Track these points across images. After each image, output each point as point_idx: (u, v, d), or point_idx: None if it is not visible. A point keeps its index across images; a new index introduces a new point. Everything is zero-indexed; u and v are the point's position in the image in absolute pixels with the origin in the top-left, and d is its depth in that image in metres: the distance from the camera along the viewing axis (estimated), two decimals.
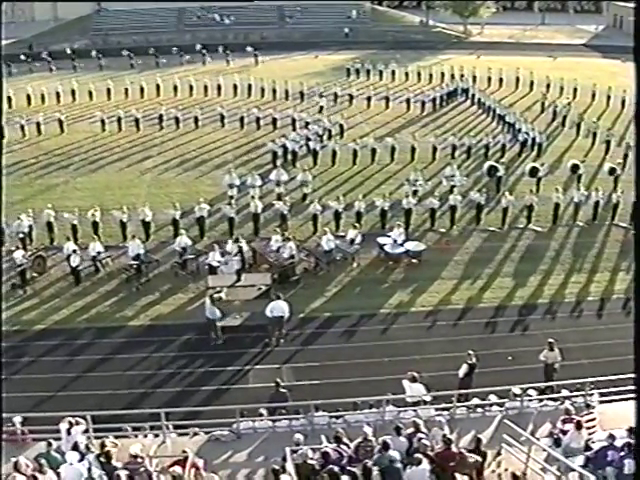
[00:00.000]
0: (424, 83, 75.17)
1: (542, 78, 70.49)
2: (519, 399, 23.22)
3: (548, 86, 69.68)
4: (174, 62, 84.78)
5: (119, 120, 60.34)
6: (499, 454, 20.16)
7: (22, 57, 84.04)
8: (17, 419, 22.07)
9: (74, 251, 36.42)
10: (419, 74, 77.37)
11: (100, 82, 72.73)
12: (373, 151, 52.17)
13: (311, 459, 18.64)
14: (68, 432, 20.24)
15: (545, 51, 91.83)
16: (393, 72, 77.87)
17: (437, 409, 23.12)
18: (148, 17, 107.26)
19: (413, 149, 52.43)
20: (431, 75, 76.67)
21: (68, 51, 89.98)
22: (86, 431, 20.76)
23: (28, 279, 36.77)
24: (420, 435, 19.53)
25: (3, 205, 36.89)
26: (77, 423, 20.50)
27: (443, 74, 75.95)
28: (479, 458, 18.72)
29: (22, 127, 58.75)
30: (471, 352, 26.87)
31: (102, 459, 18.84)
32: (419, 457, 18.00)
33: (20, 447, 21.32)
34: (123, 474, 17.83)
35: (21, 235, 39.30)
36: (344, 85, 72.43)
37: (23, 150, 56.15)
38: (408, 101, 66.04)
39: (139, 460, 18.72)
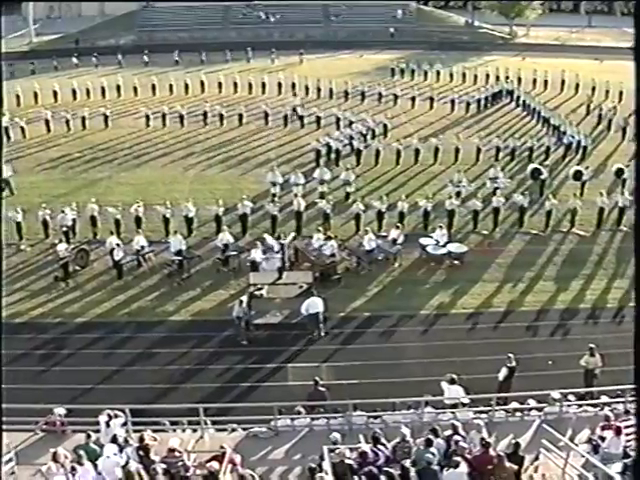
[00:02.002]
0: (469, 84, 74.82)
1: (588, 81, 69.89)
2: (558, 404, 23.11)
3: (594, 89, 69.01)
4: (219, 59, 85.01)
5: (163, 116, 60.75)
6: (537, 459, 20.13)
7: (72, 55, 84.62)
8: (60, 410, 22.33)
9: (117, 245, 36.76)
10: (464, 75, 77.02)
11: (145, 78, 73.33)
12: (417, 151, 52.04)
13: (348, 458, 18.66)
14: (107, 425, 20.45)
15: (591, 54, 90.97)
16: (438, 72, 77.63)
17: (475, 412, 23.06)
18: (194, 14, 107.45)
19: (457, 150, 52.29)
20: (476, 76, 76.29)
21: (114, 46, 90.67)
22: (125, 424, 20.96)
23: (71, 272, 37.14)
24: (458, 438, 19.51)
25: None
26: (116, 416, 20.72)
27: (488, 75, 75.48)
28: (515, 466, 18.65)
29: (67, 121, 59.37)
30: (511, 355, 26.82)
31: (140, 452, 19.01)
32: (457, 460, 17.98)
33: (59, 438, 21.57)
34: (160, 468, 17.98)
35: (65, 228, 39.70)
36: (388, 85, 72.11)
37: (68, 144, 56.71)
38: (452, 102, 65.72)
39: (177, 454, 18.88)
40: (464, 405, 24.02)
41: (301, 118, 60.32)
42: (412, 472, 18.09)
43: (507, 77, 73.44)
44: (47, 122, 59.09)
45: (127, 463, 18.31)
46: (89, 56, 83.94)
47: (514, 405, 23.86)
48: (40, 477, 18.03)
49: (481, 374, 26.97)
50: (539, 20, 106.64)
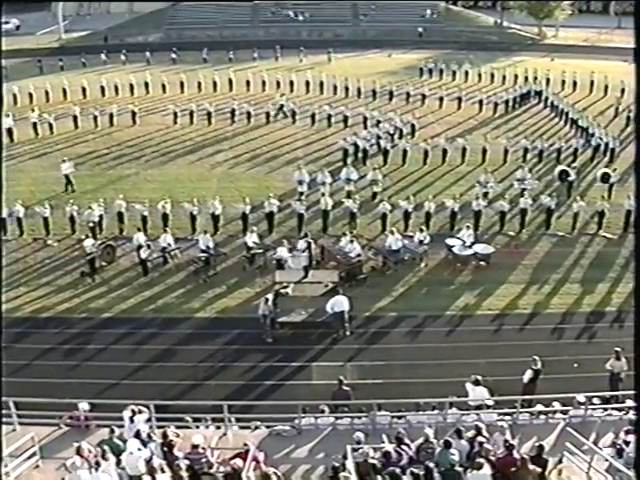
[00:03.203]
0: (497, 84, 74.51)
1: (617, 83, 69.18)
2: (583, 407, 22.99)
3: (623, 91, 68.45)
4: (247, 57, 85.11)
5: (191, 113, 60.97)
6: (560, 462, 20.02)
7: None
8: (84, 405, 22.44)
9: (147, 246, 37.04)
10: (492, 75, 76.62)
11: (173, 75, 73.48)
12: (444, 151, 51.98)
13: (372, 458, 18.64)
14: (131, 420, 20.49)
15: (620, 55, 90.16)
16: (466, 73, 77.33)
17: (500, 414, 22.94)
18: (222, 12, 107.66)
19: (484, 151, 52.12)
20: (504, 77, 75.94)
21: (142, 43, 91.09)
22: (148, 420, 21.01)
23: (97, 268, 37.37)
24: (481, 439, 19.44)
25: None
26: (140, 412, 20.75)
27: (516, 76, 75.15)
28: (539, 469, 18.57)
29: (95, 118, 59.59)
30: (536, 358, 26.71)
31: (164, 448, 19.07)
32: (481, 462, 17.90)
33: (83, 432, 21.66)
34: (184, 464, 18.03)
35: (91, 224, 39.93)
36: (417, 85, 71.99)
37: (95, 141, 56.99)
38: (481, 102, 65.54)
39: (200, 451, 18.91)
40: (488, 407, 23.96)
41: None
42: (436, 473, 18.06)
43: (535, 78, 73.10)
44: (75, 118, 59.34)
45: (150, 459, 18.37)
46: (118, 53, 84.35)
47: (538, 407, 23.71)
48: (64, 471, 18.09)
49: (506, 376, 26.85)
50: (568, 21, 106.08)
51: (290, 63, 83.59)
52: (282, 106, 62.51)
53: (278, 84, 70.88)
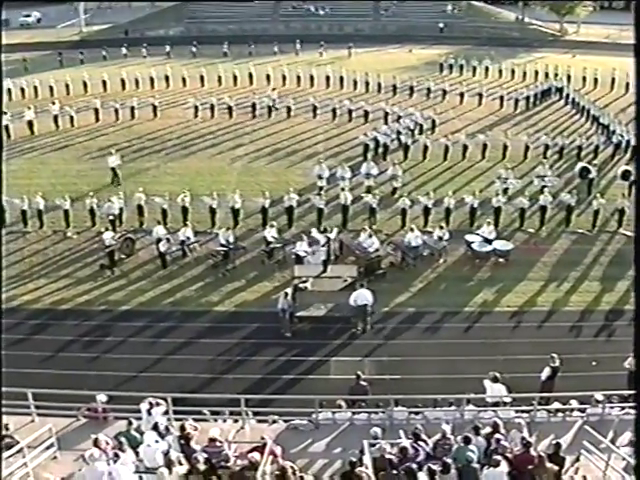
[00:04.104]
0: (518, 81, 74.26)
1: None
2: (601, 405, 22.94)
3: None
4: (267, 52, 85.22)
5: (212, 107, 61.12)
6: (577, 460, 19.98)
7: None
8: (101, 397, 22.55)
9: (167, 240, 37.14)
10: (513, 71, 76.47)
11: (194, 69, 73.72)
12: (464, 147, 51.89)
13: (389, 453, 18.67)
14: (148, 412, 20.57)
15: None
16: (487, 69, 77.18)
17: (517, 411, 22.91)
18: (243, 6, 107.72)
19: (505, 147, 51.99)
20: (525, 73, 75.69)
21: (163, 37, 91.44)
22: (166, 412, 21.09)
23: (116, 260, 37.50)
24: (498, 436, 19.40)
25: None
26: (157, 404, 20.82)
27: (537, 72, 74.95)
28: (556, 467, 18.52)
29: (116, 111, 59.84)
30: (554, 355, 26.66)
31: (181, 441, 19.13)
32: (498, 459, 17.85)
33: (101, 424, 21.78)
34: (201, 457, 18.07)
35: (111, 217, 40.07)
36: (437, 80, 71.78)
37: (116, 134, 57.22)
38: (501, 98, 65.33)
39: (218, 444, 18.91)
40: (506, 404, 23.91)
41: (349, 112, 60.30)
42: (452, 469, 18.05)
43: (556, 74, 72.78)
44: (96, 111, 59.61)
45: (168, 451, 18.43)
46: (138, 47, 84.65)
47: (556, 405, 23.68)
48: (82, 462, 18.17)
49: (524, 373, 26.79)
50: (590, 17, 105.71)
51: (310, 58, 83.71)
52: (274, 101, 62.43)
53: (298, 79, 70.99)
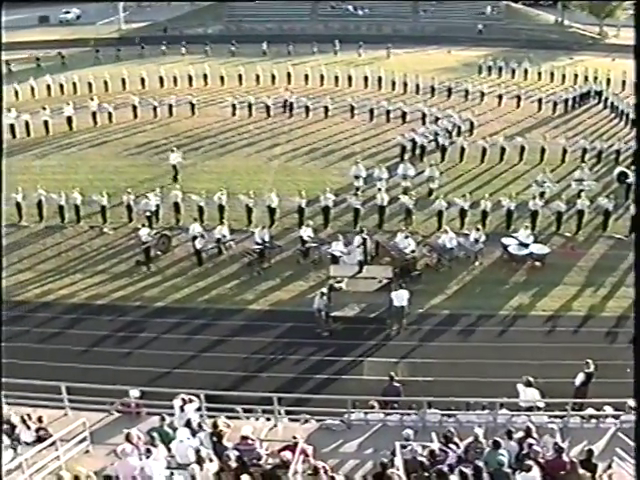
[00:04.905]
0: (557, 83, 73.86)
1: None
2: (635, 412, 22.77)
3: None
4: (306, 51, 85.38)
5: (250, 106, 61.20)
6: (610, 467, 19.81)
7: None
8: (134, 392, 22.71)
9: (201, 236, 37.29)
10: (552, 74, 76.07)
11: (232, 68, 74.01)
12: (502, 150, 51.59)
13: (421, 455, 18.64)
14: (181, 409, 20.71)
15: None
16: (526, 71, 76.75)
17: (550, 416, 22.82)
18: (282, 6, 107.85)
19: (543, 150, 51.68)
20: (564, 76, 75.28)
21: (202, 35, 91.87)
22: (199, 409, 21.23)
23: (152, 257, 37.72)
24: (531, 441, 19.31)
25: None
26: (190, 401, 20.96)
27: (576, 75, 74.44)
28: (588, 473, 18.41)
29: (155, 108, 60.18)
30: (589, 361, 26.52)
31: (214, 438, 19.20)
32: (530, 464, 17.76)
33: (133, 419, 21.92)
34: (233, 455, 18.12)
35: (148, 213, 40.30)
36: (475, 82, 71.55)
37: (154, 131, 57.51)
38: (540, 101, 64.96)
39: (249, 442, 18.98)
40: (539, 409, 23.81)
41: (387, 113, 60.27)
42: (484, 473, 17.99)
43: (596, 78, 72.21)
44: (134, 108, 59.92)
45: (199, 448, 18.49)
46: (177, 44, 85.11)
47: (590, 411, 23.55)
48: (114, 457, 18.30)
49: (558, 378, 26.65)
50: (630, 20, 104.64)
51: (349, 58, 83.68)
52: (286, 101, 62.29)
53: (337, 79, 70.97)
